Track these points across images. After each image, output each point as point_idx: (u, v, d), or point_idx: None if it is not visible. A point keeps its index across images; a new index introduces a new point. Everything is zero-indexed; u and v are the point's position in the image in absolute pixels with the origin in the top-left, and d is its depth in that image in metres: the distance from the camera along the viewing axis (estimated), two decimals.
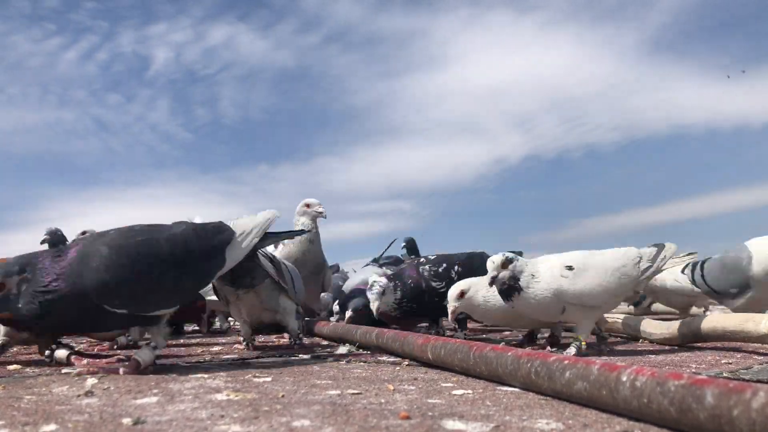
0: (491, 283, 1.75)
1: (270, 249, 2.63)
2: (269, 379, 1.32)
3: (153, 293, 1.39)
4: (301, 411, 0.93)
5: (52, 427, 0.83)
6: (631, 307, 3.50)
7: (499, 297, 1.92)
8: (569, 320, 1.83)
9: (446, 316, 2.43)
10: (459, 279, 2.24)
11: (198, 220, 2.09)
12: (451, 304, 2.00)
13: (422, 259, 2.55)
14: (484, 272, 1.88)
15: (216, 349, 2.16)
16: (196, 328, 3.54)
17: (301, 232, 1.89)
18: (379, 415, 0.90)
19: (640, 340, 2.27)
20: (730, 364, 1.64)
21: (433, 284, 2.38)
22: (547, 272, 1.75)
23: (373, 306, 2.36)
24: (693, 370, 1.50)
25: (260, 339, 2.55)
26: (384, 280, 2.41)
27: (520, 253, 2.60)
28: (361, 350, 1.99)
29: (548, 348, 1.98)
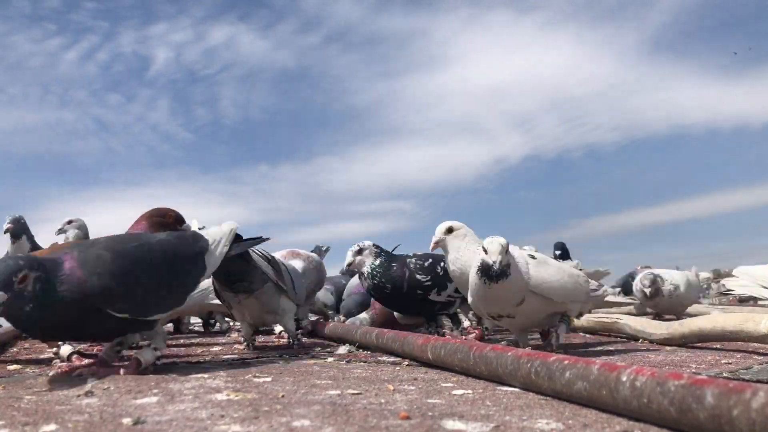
0: (494, 268, 1.68)
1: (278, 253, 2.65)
2: (269, 379, 1.32)
3: (152, 297, 1.42)
4: (301, 411, 0.93)
5: (52, 427, 0.83)
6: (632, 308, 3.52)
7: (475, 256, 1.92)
8: (523, 312, 1.77)
9: (427, 312, 2.44)
10: (444, 274, 2.24)
11: (195, 224, 2.09)
12: (437, 236, 1.99)
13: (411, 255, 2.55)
14: None
15: (216, 349, 2.16)
16: (197, 328, 3.55)
17: (260, 239, 1.88)
18: (379, 415, 0.90)
19: (640, 340, 2.27)
20: (730, 364, 1.64)
21: (417, 276, 2.36)
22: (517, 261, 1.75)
23: (346, 261, 2.36)
24: (693, 370, 1.50)
25: (260, 339, 2.55)
26: (368, 242, 2.38)
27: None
28: (361, 350, 1.99)
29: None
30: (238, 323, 2.44)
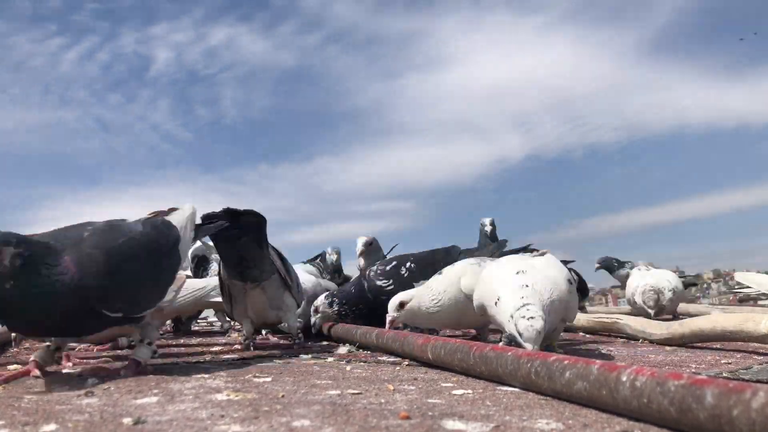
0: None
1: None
2: (269, 379, 1.32)
3: (141, 293, 1.39)
4: (301, 411, 0.93)
5: (52, 427, 0.83)
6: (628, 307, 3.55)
7: (445, 302, 1.97)
8: (552, 337, 1.70)
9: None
10: (410, 275, 2.25)
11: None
12: (390, 314, 2.01)
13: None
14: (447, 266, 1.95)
15: (216, 349, 2.16)
16: (197, 328, 3.55)
17: (221, 223, 1.85)
18: (379, 415, 0.90)
19: (640, 340, 2.27)
20: (730, 364, 1.64)
21: (378, 283, 2.38)
22: (550, 288, 1.57)
23: (313, 328, 2.41)
24: (693, 370, 1.50)
25: (260, 339, 2.55)
26: (321, 299, 2.43)
27: (505, 242, 2.59)
28: (361, 350, 1.99)
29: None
30: (238, 323, 2.44)
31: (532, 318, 1.43)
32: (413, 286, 2.26)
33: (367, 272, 2.47)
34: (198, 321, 3.59)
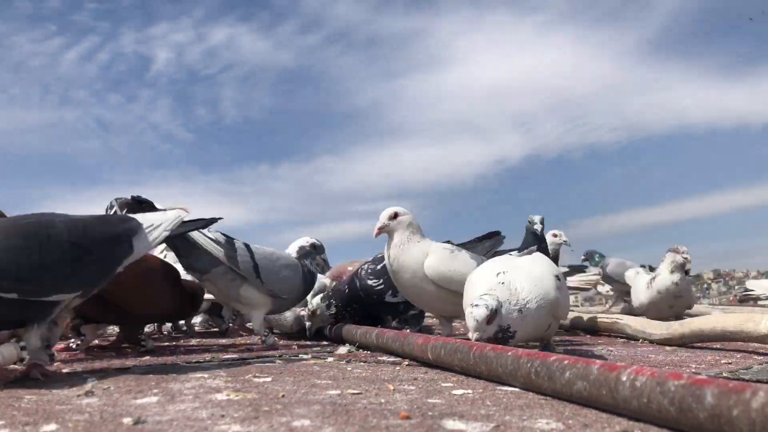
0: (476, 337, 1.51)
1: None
2: (269, 379, 1.32)
3: (47, 275, 1.31)
4: (301, 411, 0.93)
5: (53, 426, 0.83)
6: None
7: (402, 262, 2.00)
8: (547, 336, 1.70)
9: (392, 314, 2.44)
10: None
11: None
12: (382, 222, 2.01)
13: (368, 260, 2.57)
14: None
15: (216, 349, 2.16)
16: (197, 328, 3.54)
17: (213, 220, 1.87)
18: (379, 415, 0.90)
19: (640, 340, 2.27)
20: (730, 364, 1.64)
21: (369, 282, 2.39)
22: (535, 290, 1.57)
23: (308, 332, 2.41)
24: (693, 370, 1.50)
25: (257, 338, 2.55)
26: (317, 300, 2.42)
27: (502, 237, 2.57)
28: (361, 350, 1.99)
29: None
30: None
31: (476, 306, 1.48)
32: None
33: (359, 271, 2.47)
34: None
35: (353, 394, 1.12)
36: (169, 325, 3.16)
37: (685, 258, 2.93)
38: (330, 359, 1.78)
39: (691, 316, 2.76)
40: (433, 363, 1.49)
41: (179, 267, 2.16)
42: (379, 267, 2.41)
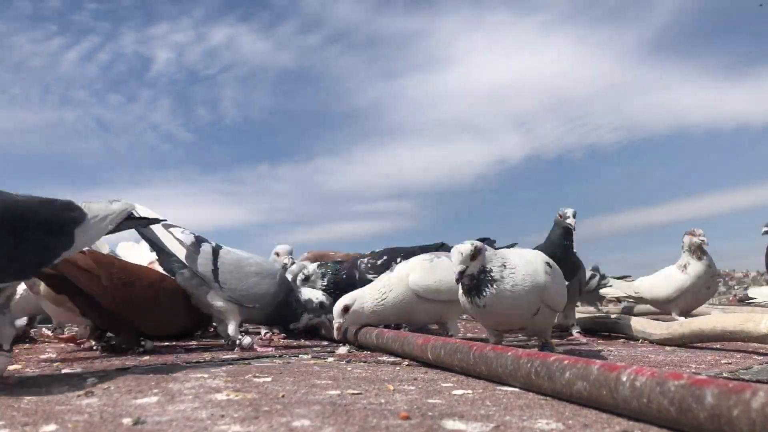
0: (458, 280, 1.57)
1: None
2: (269, 379, 1.32)
3: None
4: (301, 411, 0.93)
5: (52, 427, 0.83)
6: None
7: (390, 300, 1.98)
8: (537, 324, 1.68)
9: None
10: None
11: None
12: (336, 320, 2.00)
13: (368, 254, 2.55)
14: None
15: (216, 349, 2.16)
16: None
17: (156, 220, 1.83)
18: (379, 415, 0.90)
19: (640, 340, 2.27)
20: (730, 364, 1.64)
21: (369, 277, 2.37)
22: (524, 264, 1.59)
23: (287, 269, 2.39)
24: (693, 370, 1.50)
25: (260, 338, 2.55)
26: (312, 266, 2.39)
27: (493, 242, 2.56)
28: (361, 350, 1.99)
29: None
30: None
31: (462, 244, 1.54)
32: None
33: (359, 263, 2.45)
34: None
35: (353, 394, 1.12)
36: None
37: (702, 240, 2.93)
38: (330, 359, 1.78)
39: (691, 316, 2.76)
40: (433, 363, 1.49)
41: None
42: (379, 263, 2.41)
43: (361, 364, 1.65)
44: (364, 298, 2.02)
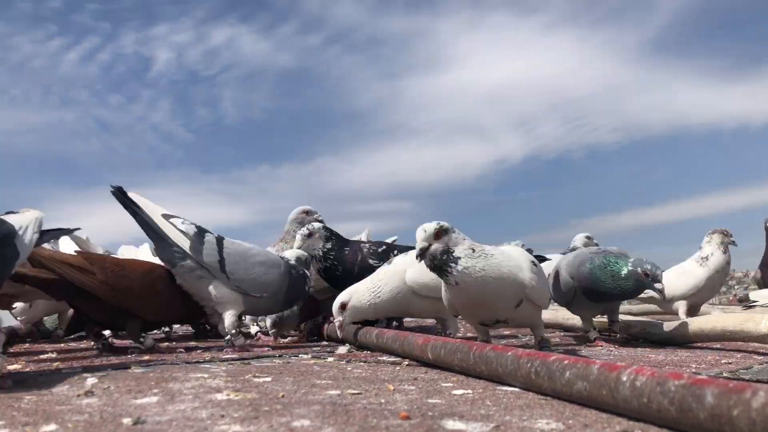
0: (420, 257, 1.56)
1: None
2: (269, 379, 1.32)
3: None
4: (301, 411, 0.93)
5: (52, 427, 0.83)
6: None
7: (387, 291, 1.97)
8: (520, 317, 1.67)
9: None
10: None
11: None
12: (336, 319, 1.98)
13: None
14: None
15: (216, 349, 2.16)
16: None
17: (72, 230, 1.85)
18: (379, 415, 0.90)
19: (640, 340, 2.27)
20: (730, 364, 1.64)
21: (370, 261, 2.36)
22: (501, 255, 1.60)
23: (295, 245, 2.32)
24: (693, 370, 1.50)
25: (251, 340, 2.55)
26: (318, 225, 2.36)
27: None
28: (361, 350, 1.99)
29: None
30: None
31: (428, 222, 1.55)
32: None
33: (362, 246, 2.43)
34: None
35: (353, 394, 1.12)
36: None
37: (733, 241, 3.12)
38: (330, 359, 1.78)
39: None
40: (433, 363, 1.49)
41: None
42: (380, 250, 2.40)
43: (361, 364, 1.65)
44: (360, 293, 2.02)
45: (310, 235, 2.32)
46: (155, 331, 2.08)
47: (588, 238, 3.70)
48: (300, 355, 1.87)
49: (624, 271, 2.00)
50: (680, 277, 3.01)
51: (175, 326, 3.17)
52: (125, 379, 1.28)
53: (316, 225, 2.35)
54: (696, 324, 2.08)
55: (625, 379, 0.87)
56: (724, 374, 1.42)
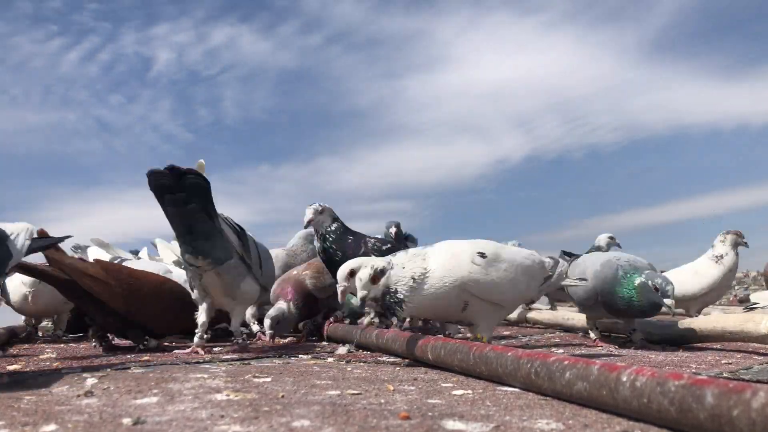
0: (361, 305, 1.58)
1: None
2: (269, 379, 1.32)
3: None
4: (301, 411, 0.93)
5: (52, 427, 0.83)
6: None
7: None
8: (470, 317, 1.63)
9: None
10: None
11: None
12: (341, 284, 1.69)
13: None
14: None
15: (216, 349, 2.16)
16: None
17: (63, 238, 1.81)
18: (379, 416, 0.90)
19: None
20: (730, 364, 1.64)
21: (373, 255, 2.36)
22: (444, 262, 1.56)
23: (305, 218, 2.28)
24: (693, 370, 1.50)
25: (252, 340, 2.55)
26: (330, 207, 2.32)
27: (407, 237, 2.53)
28: (361, 350, 1.99)
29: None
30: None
31: (363, 268, 1.55)
32: None
33: (367, 240, 2.40)
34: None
35: (353, 394, 1.12)
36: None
37: (745, 242, 3.19)
38: (330, 359, 1.78)
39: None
40: (433, 363, 1.49)
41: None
42: (384, 248, 2.40)
43: (361, 364, 1.65)
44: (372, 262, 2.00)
45: (322, 211, 2.29)
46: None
47: (611, 238, 3.71)
48: (300, 356, 1.88)
49: (636, 282, 1.97)
50: (694, 277, 3.02)
51: None
52: (125, 379, 1.28)
53: (328, 205, 2.34)
54: (696, 324, 2.08)
55: (625, 379, 0.87)
56: (724, 374, 1.42)
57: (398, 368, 1.54)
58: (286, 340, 2.45)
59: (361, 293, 1.53)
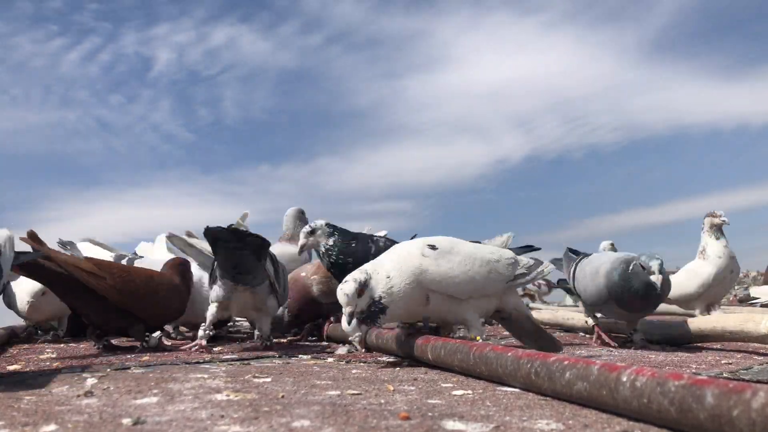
0: (349, 321, 1.53)
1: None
2: (269, 379, 1.32)
3: None
4: (301, 411, 0.93)
5: (52, 427, 0.83)
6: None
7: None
8: (437, 313, 1.64)
9: None
10: None
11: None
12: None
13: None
14: None
15: (216, 349, 2.16)
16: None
17: (37, 253, 1.80)
18: (379, 416, 0.90)
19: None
20: (730, 364, 1.64)
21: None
22: (398, 265, 1.58)
23: (299, 243, 2.30)
24: (693, 371, 1.50)
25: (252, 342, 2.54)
26: (321, 222, 2.31)
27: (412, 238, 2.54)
28: (360, 350, 1.99)
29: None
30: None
31: (345, 282, 1.53)
32: None
33: (375, 238, 2.37)
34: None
35: (353, 394, 1.12)
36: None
37: (723, 220, 2.92)
38: (330, 359, 1.78)
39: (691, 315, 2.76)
40: (433, 363, 1.49)
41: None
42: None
43: (361, 364, 1.65)
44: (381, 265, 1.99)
45: (312, 232, 2.30)
46: (158, 333, 2.12)
47: (612, 245, 3.86)
48: (300, 356, 1.88)
49: (630, 267, 1.99)
50: (689, 277, 3.01)
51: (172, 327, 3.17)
52: (125, 379, 1.28)
53: (318, 222, 2.32)
54: (696, 324, 2.09)
55: (625, 379, 0.87)
56: (724, 374, 1.42)
57: (398, 368, 1.54)
58: (286, 341, 2.45)
59: (348, 309, 1.52)
